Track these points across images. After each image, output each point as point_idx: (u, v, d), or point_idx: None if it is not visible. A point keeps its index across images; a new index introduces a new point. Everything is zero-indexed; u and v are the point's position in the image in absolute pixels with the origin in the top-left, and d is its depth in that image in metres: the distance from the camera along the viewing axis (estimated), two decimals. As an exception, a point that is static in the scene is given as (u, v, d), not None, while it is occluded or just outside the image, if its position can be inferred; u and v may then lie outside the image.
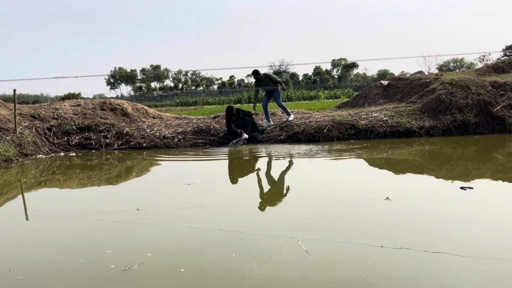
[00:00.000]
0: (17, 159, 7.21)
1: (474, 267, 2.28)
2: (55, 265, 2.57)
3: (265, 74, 9.07)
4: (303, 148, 7.44)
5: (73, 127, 8.99)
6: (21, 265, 2.56)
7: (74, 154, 8.05)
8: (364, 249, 2.56)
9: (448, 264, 2.33)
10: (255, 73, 9.03)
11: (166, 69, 79.74)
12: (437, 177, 4.86)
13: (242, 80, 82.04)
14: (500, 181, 4.60)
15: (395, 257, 2.44)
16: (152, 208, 3.85)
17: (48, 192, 4.92)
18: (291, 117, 9.21)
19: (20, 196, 4.73)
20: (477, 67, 20.08)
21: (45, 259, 2.69)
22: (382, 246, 2.56)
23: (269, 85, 9.03)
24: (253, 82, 9.33)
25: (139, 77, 79.25)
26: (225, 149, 7.76)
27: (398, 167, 5.61)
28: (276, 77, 9.27)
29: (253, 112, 9.49)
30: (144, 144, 8.49)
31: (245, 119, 8.63)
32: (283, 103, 9.49)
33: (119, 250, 2.75)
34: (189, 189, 4.54)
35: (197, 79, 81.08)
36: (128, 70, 77.11)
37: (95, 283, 2.27)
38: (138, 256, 2.58)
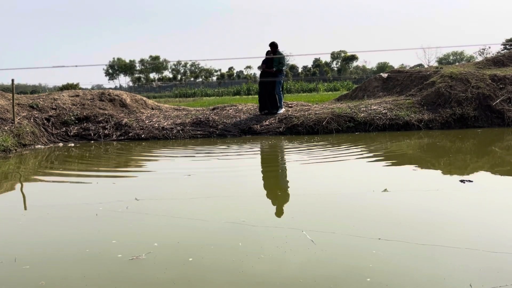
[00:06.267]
0: (16, 149, 7.19)
1: (473, 260, 2.30)
2: (60, 254, 2.58)
3: (280, 57, 9.03)
4: (302, 140, 7.45)
5: (72, 117, 8.95)
6: (26, 255, 2.56)
7: (72, 144, 8.03)
8: (368, 240, 2.58)
9: (447, 257, 2.35)
10: (274, 45, 9.05)
11: (165, 60, 79.21)
12: (436, 169, 4.89)
13: (241, 71, 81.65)
14: (499, 175, 4.63)
15: (395, 248, 2.47)
16: (154, 198, 3.85)
17: (47, 183, 4.91)
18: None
19: (19, 187, 4.72)
20: (476, 60, 20.04)
21: (50, 248, 2.70)
22: (379, 239, 2.58)
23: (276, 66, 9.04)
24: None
25: (138, 68, 78.67)
26: (224, 146, 7.69)
27: (397, 160, 5.63)
28: (283, 65, 9.19)
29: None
30: (142, 135, 8.48)
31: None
32: (281, 94, 9.41)
33: (124, 240, 2.76)
34: (190, 180, 4.55)
35: (196, 70, 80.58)
36: (127, 61, 76.53)
37: (103, 271, 2.28)
38: (144, 246, 2.59)
